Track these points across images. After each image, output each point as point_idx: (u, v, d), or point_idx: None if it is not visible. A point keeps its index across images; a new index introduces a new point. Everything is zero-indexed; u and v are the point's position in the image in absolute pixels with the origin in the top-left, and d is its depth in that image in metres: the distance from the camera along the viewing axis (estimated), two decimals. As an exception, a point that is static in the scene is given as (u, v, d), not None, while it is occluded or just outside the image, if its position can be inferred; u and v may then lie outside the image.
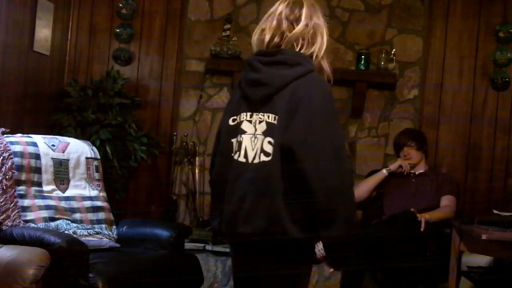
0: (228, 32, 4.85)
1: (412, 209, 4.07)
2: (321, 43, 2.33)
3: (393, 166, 4.39)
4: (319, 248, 4.09)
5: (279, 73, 2.27)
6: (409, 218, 4.03)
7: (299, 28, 2.31)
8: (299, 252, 2.23)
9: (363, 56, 4.87)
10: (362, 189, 4.41)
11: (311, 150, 2.16)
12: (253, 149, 2.27)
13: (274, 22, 2.34)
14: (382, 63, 4.89)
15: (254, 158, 2.26)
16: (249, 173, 2.25)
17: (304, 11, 2.33)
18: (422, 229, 3.98)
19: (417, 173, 4.41)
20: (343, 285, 4.02)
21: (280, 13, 2.34)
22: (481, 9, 4.95)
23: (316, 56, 2.32)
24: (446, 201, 4.25)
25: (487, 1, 4.94)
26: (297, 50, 2.31)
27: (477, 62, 4.96)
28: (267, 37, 2.34)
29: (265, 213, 2.21)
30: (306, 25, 2.31)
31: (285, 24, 2.32)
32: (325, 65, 2.35)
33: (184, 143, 4.88)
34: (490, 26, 4.94)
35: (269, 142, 2.24)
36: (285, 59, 2.28)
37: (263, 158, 2.24)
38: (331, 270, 2.32)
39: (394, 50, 4.92)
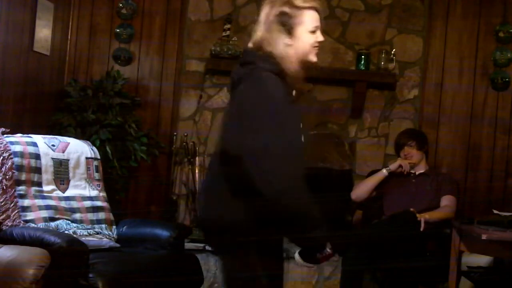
0: (228, 32, 4.85)
1: (411, 209, 4.07)
2: (281, 44, 2.30)
3: (393, 166, 4.39)
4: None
5: (235, 73, 2.33)
6: (409, 218, 4.03)
7: (258, 29, 2.34)
8: (260, 249, 2.24)
9: (363, 56, 4.87)
10: (362, 189, 4.42)
11: (243, 151, 2.16)
12: None
13: (254, 25, 2.39)
14: (382, 63, 4.90)
15: None
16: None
17: (263, 12, 2.34)
18: (422, 229, 3.98)
19: (417, 173, 4.41)
20: (343, 285, 4.02)
21: (259, 15, 2.38)
22: (481, 9, 4.95)
23: (276, 56, 2.30)
24: (446, 201, 4.25)
25: (487, 1, 4.94)
26: (262, 50, 2.32)
27: (477, 62, 4.97)
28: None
29: (211, 208, 2.29)
30: (264, 26, 2.32)
31: (256, 26, 2.37)
32: (290, 68, 2.32)
33: (184, 143, 4.88)
34: (490, 26, 4.94)
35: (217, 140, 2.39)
36: (245, 59, 2.34)
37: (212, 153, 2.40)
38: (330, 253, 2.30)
39: (394, 50, 4.92)
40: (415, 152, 4.39)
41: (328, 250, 3.95)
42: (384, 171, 4.39)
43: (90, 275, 3.09)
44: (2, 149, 3.48)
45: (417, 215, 4.03)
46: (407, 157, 4.39)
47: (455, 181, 4.50)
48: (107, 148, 4.47)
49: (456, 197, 4.30)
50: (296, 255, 4.07)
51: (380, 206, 4.39)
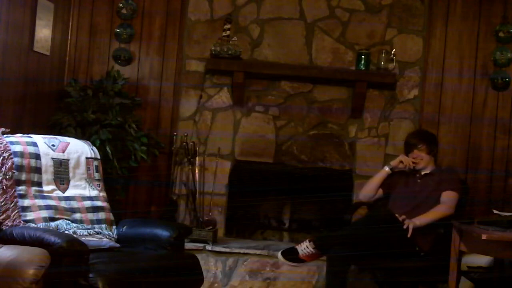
0: (228, 32, 4.85)
1: (396, 214, 4.07)
2: None
3: (394, 162, 4.39)
4: (302, 247, 4.12)
5: None
6: (387, 217, 4.02)
7: None
8: None
9: (363, 56, 4.87)
10: (367, 188, 4.44)
11: None
12: None
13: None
14: (382, 63, 4.90)
15: None
16: None
17: None
18: (409, 235, 3.97)
19: (423, 173, 4.38)
20: (328, 283, 4.02)
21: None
22: (481, 9, 4.95)
23: None
24: (445, 197, 4.21)
25: (487, 1, 4.94)
26: None
27: (477, 62, 4.97)
28: None
29: None
30: None
31: None
32: None
33: (184, 143, 4.88)
34: (490, 26, 4.95)
35: None
36: None
37: None
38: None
39: (394, 50, 4.92)
40: (424, 156, 4.34)
41: (312, 249, 3.99)
42: (386, 168, 4.40)
43: (90, 275, 3.08)
44: (2, 149, 3.48)
45: (405, 221, 4.01)
46: (417, 161, 4.35)
47: (457, 174, 4.51)
48: (107, 148, 4.47)
49: (457, 191, 4.24)
50: (279, 255, 4.11)
51: (386, 205, 4.40)
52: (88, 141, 4.04)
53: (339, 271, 3.94)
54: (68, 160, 3.76)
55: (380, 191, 4.42)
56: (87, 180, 3.82)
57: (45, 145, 3.68)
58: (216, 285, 4.66)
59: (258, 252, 4.69)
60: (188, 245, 4.48)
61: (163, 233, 3.71)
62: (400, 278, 4.10)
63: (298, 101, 5.02)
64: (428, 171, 4.38)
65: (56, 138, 3.81)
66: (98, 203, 3.78)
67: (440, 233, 3.99)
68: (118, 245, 3.68)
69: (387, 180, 4.40)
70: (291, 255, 4.03)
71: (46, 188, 3.60)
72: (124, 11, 4.99)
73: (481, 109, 4.97)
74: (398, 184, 4.38)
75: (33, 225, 3.39)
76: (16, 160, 3.50)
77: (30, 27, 4.29)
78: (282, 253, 4.06)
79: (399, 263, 3.97)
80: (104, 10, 4.99)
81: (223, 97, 5.03)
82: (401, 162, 4.36)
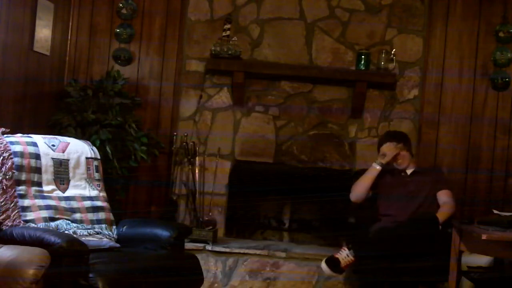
0: (228, 32, 4.85)
1: (431, 211, 4.09)
2: None
3: (385, 159, 4.35)
4: (343, 256, 4.02)
5: None
6: (431, 219, 4.01)
7: None
8: None
9: (363, 56, 4.87)
10: (360, 189, 4.39)
11: None
12: None
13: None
14: (382, 63, 4.90)
15: None
16: None
17: None
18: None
19: (409, 172, 4.40)
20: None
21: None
22: (481, 9, 4.95)
23: None
24: (445, 197, 4.23)
25: (487, 1, 4.94)
26: None
27: (477, 62, 4.97)
28: None
29: None
30: None
31: None
32: None
33: (184, 143, 4.88)
34: (490, 26, 4.95)
35: None
36: None
37: None
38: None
39: (394, 50, 4.92)
40: (406, 154, 4.39)
41: (352, 257, 3.95)
42: (377, 166, 4.35)
43: (90, 275, 3.09)
44: (2, 149, 3.48)
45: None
46: (402, 160, 4.37)
47: (444, 172, 4.62)
48: (107, 148, 4.47)
49: (451, 190, 4.29)
50: (323, 264, 4.01)
51: (376, 207, 4.38)
52: (88, 141, 4.05)
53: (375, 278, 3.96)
54: (68, 160, 3.76)
55: (370, 191, 4.41)
56: (87, 180, 3.82)
57: (45, 145, 3.68)
58: (216, 285, 4.66)
59: (258, 252, 4.69)
60: (188, 245, 4.47)
61: (163, 233, 3.71)
62: (400, 278, 4.09)
63: (298, 101, 5.02)
64: (413, 169, 4.41)
65: (56, 138, 3.81)
66: (98, 203, 3.78)
67: (449, 233, 3.98)
68: (118, 245, 3.68)
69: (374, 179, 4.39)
70: (334, 264, 3.97)
71: (46, 188, 3.60)
72: (124, 11, 4.99)
73: (481, 109, 4.97)
74: (385, 184, 4.37)
75: (33, 225, 3.39)
76: (16, 160, 3.50)
77: (30, 27, 4.29)
78: (326, 262, 3.99)
79: (399, 263, 3.97)
80: (104, 10, 5.00)
81: (223, 97, 5.03)
82: (395, 157, 4.37)
